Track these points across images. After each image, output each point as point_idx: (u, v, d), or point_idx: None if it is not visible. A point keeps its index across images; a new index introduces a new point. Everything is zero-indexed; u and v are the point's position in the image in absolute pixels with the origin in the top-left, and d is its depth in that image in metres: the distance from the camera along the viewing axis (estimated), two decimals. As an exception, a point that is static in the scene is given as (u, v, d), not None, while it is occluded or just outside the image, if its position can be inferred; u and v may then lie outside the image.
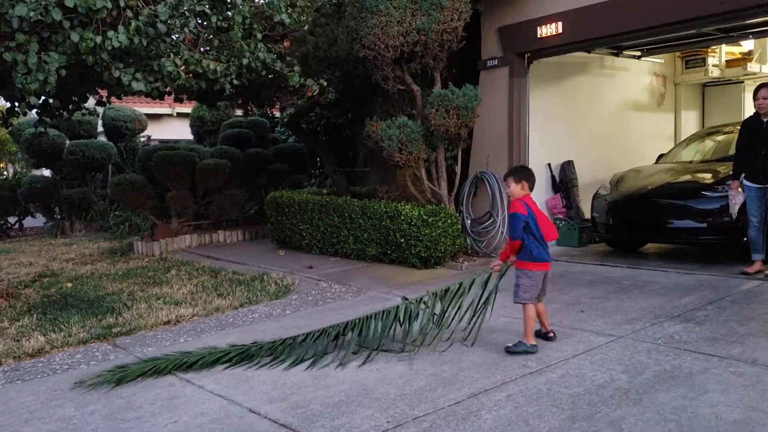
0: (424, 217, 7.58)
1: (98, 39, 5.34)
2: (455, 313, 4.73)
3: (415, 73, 8.24)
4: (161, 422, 3.65)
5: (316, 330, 4.75)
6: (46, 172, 15.91)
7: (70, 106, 7.71)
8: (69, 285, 7.80)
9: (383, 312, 4.73)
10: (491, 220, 8.38)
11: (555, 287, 6.52)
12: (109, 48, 5.42)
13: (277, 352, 4.64)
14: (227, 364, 4.53)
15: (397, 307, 4.74)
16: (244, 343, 4.81)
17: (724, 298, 5.72)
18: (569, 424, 3.31)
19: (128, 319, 6.00)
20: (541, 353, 4.45)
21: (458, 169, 8.38)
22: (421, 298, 4.76)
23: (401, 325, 4.69)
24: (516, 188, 4.59)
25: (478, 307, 4.72)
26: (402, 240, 7.79)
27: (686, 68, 11.19)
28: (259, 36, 6.78)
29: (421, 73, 8.31)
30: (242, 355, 4.62)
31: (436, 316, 4.69)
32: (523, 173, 4.67)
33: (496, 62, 8.53)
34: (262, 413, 3.68)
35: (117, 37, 5.40)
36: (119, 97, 7.43)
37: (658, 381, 3.82)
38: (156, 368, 4.46)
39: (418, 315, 4.69)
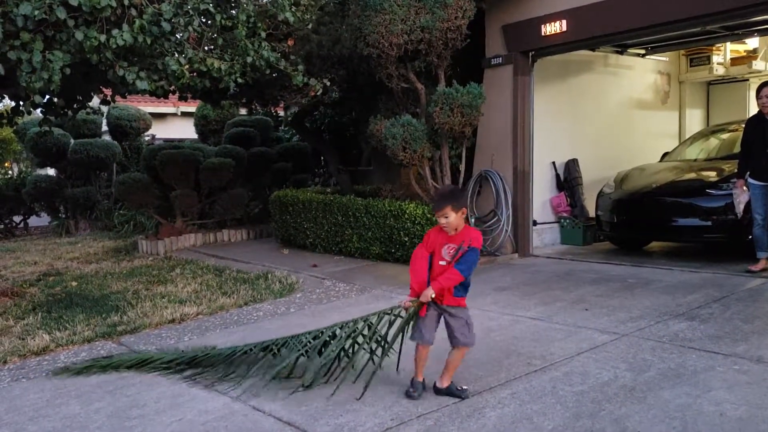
0: (428, 215, 7.57)
1: (102, 37, 5.35)
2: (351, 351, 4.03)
3: (419, 71, 8.23)
4: (165, 420, 3.65)
5: (255, 343, 4.42)
6: (51, 172, 15.94)
7: (75, 105, 7.73)
8: (74, 284, 7.82)
9: (311, 332, 4.18)
10: (495, 218, 8.37)
11: (559, 286, 6.53)
12: (114, 46, 5.42)
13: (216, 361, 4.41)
14: (175, 370, 4.43)
15: (321, 332, 4.14)
16: (208, 346, 4.76)
17: (728, 296, 5.70)
18: (573, 421, 3.31)
19: (133, 317, 6.01)
20: (545, 351, 4.44)
21: (462, 168, 8.36)
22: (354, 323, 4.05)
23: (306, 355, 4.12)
24: (458, 219, 3.58)
25: (375, 350, 4.00)
26: (406, 239, 7.79)
27: (691, 66, 11.16)
28: (263, 34, 6.78)
29: (425, 72, 8.29)
30: (193, 362, 4.48)
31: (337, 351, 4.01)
32: (463, 198, 3.79)
33: (500, 60, 8.51)
34: (267, 411, 3.68)
35: (121, 35, 5.40)
36: (123, 96, 7.46)
37: (663, 379, 3.81)
38: (110, 365, 4.62)
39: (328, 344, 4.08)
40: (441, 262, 3.64)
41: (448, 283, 3.59)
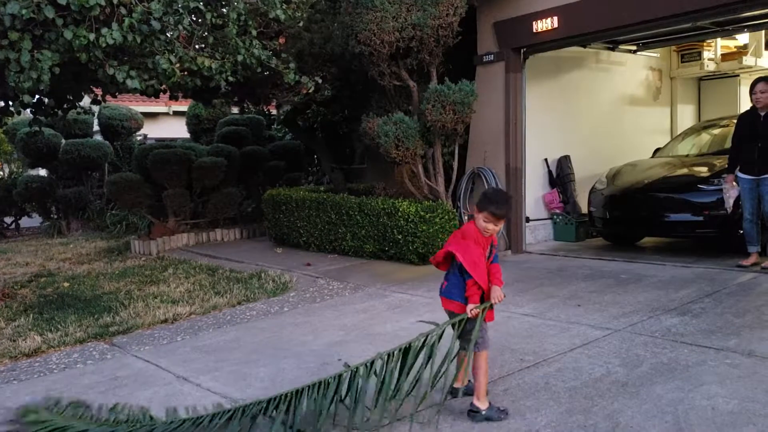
0: (422, 213, 7.57)
1: (92, 36, 5.32)
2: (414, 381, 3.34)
3: (411, 68, 8.23)
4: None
5: (236, 408, 3.36)
6: (42, 172, 15.87)
7: (65, 105, 7.69)
8: (66, 284, 7.78)
9: (320, 383, 3.30)
10: (488, 215, 8.36)
11: (552, 282, 6.54)
12: (103, 45, 5.39)
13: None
14: None
15: (339, 376, 3.32)
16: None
17: (720, 290, 5.72)
18: (566, 417, 3.31)
19: (125, 318, 5.98)
20: (538, 347, 4.44)
21: (455, 165, 8.37)
22: (372, 362, 3.32)
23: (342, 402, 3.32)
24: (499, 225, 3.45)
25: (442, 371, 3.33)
26: (399, 236, 7.78)
27: (682, 62, 11.20)
28: (254, 33, 6.76)
29: (417, 69, 8.29)
30: None
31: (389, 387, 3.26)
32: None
33: (492, 57, 8.51)
34: (260, 410, 3.67)
35: (111, 34, 5.38)
36: (114, 95, 7.42)
37: (655, 373, 3.82)
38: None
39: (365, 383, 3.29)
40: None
41: (501, 278, 3.48)
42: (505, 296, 3.41)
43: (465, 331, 3.36)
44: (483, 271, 3.38)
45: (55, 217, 14.59)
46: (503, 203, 3.41)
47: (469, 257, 3.36)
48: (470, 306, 3.33)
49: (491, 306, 3.38)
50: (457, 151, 8.38)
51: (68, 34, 5.26)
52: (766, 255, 6.53)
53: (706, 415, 3.22)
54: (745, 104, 10.38)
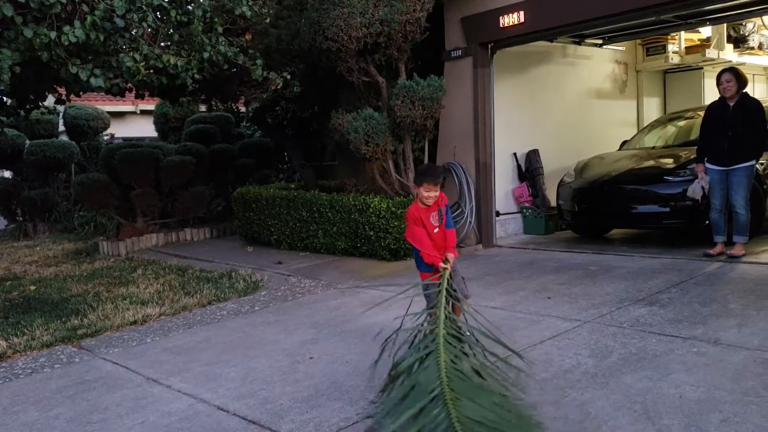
0: (393, 209, 7.58)
1: (53, 35, 5.22)
2: None
3: (380, 64, 8.21)
4: (128, 423, 3.59)
5: None
6: (7, 174, 15.55)
7: (28, 105, 7.53)
8: (32, 288, 7.63)
9: None
10: (459, 210, 8.40)
11: (522, 275, 6.59)
12: (66, 44, 5.30)
13: None
14: None
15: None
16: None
17: (687, 280, 5.81)
18: (537, 408, 3.33)
19: (93, 320, 5.88)
20: (508, 340, 4.45)
21: (425, 161, 8.38)
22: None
23: None
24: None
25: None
26: (371, 233, 7.78)
27: (647, 55, 11.33)
28: (220, 29, 6.70)
29: (385, 65, 8.28)
30: None
31: None
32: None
33: (459, 53, 8.53)
34: (231, 410, 3.64)
35: (73, 32, 5.28)
36: (78, 95, 7.28)
37: (624, 364, 3.87)
38: None
39: None
40: (435, 230, 4.15)
41: (455, 243, 4.21)
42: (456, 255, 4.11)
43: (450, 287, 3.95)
44: (428, 244, 4.08)
45: (21, 219, 14.30)
46: (436, 172, 4.26)
47: (413, 238, 4.15)
48: (441, 265, 4.01)
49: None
50: (427, 147, 8.39)
51: (28, 33, 5.15)
52: (732, 244, 6.64)
53: (674, 404, 3.27)
54: (709, 96, 10.55)
